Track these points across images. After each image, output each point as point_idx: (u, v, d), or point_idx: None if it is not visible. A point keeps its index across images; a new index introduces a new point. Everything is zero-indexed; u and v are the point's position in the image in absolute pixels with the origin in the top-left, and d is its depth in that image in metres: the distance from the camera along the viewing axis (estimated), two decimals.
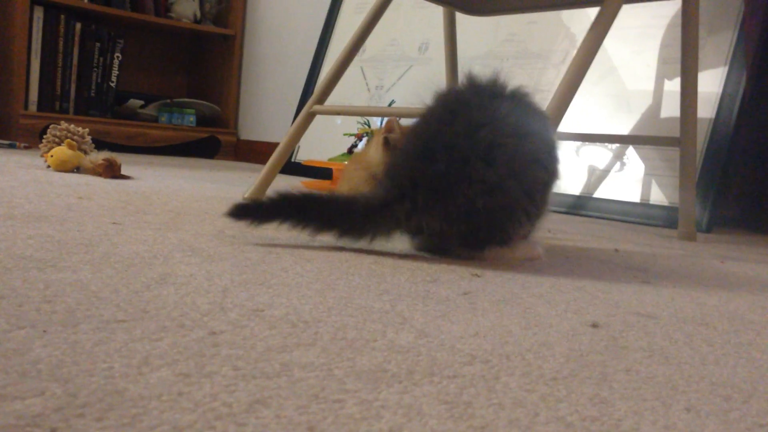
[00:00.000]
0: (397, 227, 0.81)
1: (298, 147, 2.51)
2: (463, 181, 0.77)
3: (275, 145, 2.44)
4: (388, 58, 2.39)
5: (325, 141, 2.40)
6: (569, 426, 0.34)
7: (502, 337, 0.49)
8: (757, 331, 0.58)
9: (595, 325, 0.55)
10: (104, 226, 0.81)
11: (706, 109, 1.64)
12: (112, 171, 1.47)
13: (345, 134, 2.12)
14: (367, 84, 2.41)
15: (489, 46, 2.11)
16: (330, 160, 1.98)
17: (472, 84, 0.85)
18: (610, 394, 0.39)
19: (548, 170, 0.82)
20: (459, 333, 0.49)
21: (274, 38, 2.91)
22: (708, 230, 1.59)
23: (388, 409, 0.33)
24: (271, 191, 0.82)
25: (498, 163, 0.77)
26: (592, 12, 1.65)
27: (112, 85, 2.73)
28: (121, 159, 1.53)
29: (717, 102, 1.64)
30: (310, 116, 1.38)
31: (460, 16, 1.65)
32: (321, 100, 1.37)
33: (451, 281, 0.68)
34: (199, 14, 2.96)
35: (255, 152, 2.95)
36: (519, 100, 0.84)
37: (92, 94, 2.68)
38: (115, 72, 2.73)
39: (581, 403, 0.37)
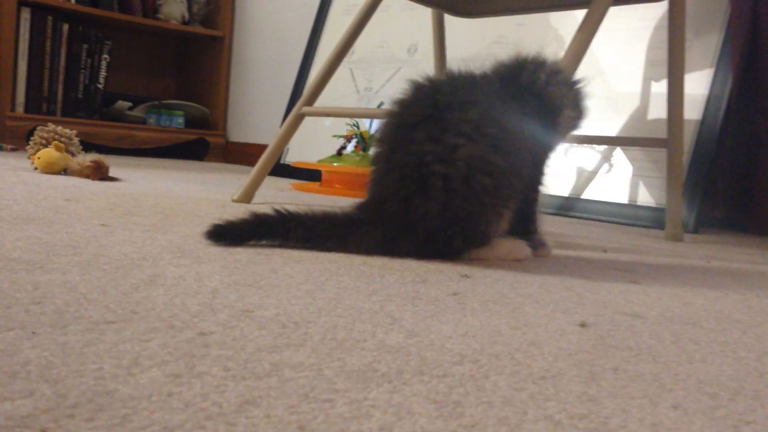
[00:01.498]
0: (375, 247, 0.82)
1: (288, 149, 2.50)
2: (413, 215, 0.80)
3: (264, 146, 2.43)
4: (377, 60, 2.39)
5: (314, 143, 2.40)
6: (558, 424, 0.34)
7: (491, 336, 0.49)
8: (743, 330, 0.59)
9: (583, 325, 0.55)
10: (92, 228, 0.81)
11: (693, 110, 1.66)
12: (99, 173, 1.47)
13: (334, 136, 2.12)
14: (356, 86, 2.41)
15: (478, 48, 2.12)
16: (319, 161, 1.98)
17: (404, 105, 0.88)
18: (598, 392, 0.39)
19: (494, 173, 0.79)
20: (448, 333, 0.49)
21: (263, 39, 2.90)
22: (695, 231, 1.60)
23: (378, 408, 0.34)
24: (248, 212, 0.81)
25: (433, 192, 0.78)
26: (580, 14, 1.65)
27: (100, 86, 2.72)
28: (109, 161, 1.52)
29: (704, 103, 1.66)
30: (300, 118, 1.38)
31: (448, 18, 1.66)
32: (310, 101, 1.37)
33: (440, 282, 0.68)
34: (187, 16, 2.95)
35: (244, 154, 2.94)
36: (455, 108, 0.81)
37: (80, 96, 2.67)
38: (102, 73, 2.72)
39: (569, 401, 0.37)
